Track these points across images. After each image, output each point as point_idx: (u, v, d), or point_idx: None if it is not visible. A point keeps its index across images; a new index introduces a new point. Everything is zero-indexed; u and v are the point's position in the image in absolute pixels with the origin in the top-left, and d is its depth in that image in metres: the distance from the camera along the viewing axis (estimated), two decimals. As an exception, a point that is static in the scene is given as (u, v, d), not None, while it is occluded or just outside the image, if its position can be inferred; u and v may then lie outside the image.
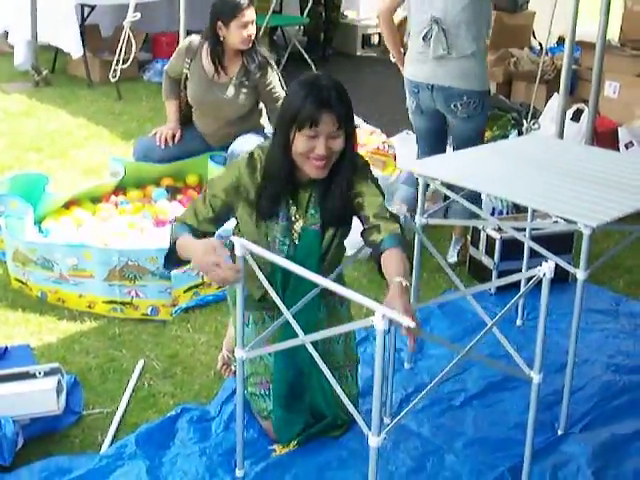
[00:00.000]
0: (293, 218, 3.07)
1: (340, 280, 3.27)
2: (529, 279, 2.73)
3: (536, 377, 2.81)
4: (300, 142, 2.84)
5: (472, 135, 4.65)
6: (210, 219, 3.04)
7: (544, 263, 2.68)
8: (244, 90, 5.10)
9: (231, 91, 5.09)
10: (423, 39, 4.53)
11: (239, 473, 3.11)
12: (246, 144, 4.76)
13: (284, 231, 3.06)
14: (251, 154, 3.04)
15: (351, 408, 2.57)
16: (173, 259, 3.01)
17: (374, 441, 2.43)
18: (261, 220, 3.06)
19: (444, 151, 4.85)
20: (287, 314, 2.76)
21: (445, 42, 4.47)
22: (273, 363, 3.22)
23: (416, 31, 4.60)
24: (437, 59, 4.54)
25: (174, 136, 5.32)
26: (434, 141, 4.84)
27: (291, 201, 3.06)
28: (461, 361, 2.64)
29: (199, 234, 2.99)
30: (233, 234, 3.19)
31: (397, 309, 2.41)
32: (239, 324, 2.91)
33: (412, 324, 2.32)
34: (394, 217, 2.97)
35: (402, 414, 2.56)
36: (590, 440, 3.37)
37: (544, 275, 2.67)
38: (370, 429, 2.44)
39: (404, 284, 2.56)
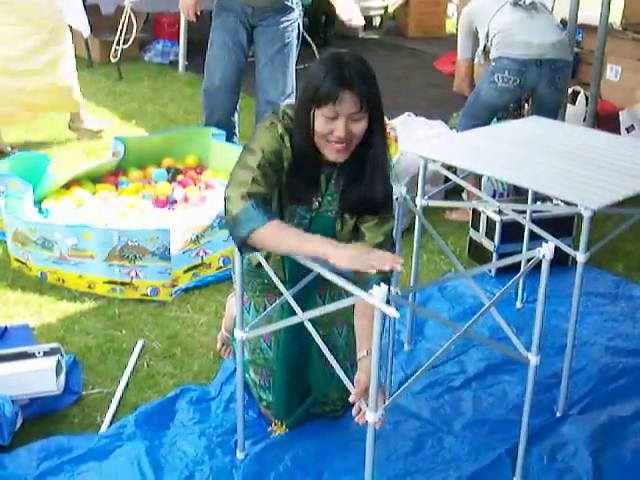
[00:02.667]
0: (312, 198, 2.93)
1: None
2: (529, 261, 2.73)
3: (533, 359, 2.81)
4: (319, 123, 2.67)
5: (559, 104, 5.27)
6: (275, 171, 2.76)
7: (544, 244, 2.68)
8: None
9: None
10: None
11: (240, 455, 3.13)
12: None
13: (305, 208, 2.92)
14: (286, 126, 2.79)
15: (350, 387, 2.58)
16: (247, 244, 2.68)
17: (371, 417, 2.44)
18: (287, 200, 2.87)
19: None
20: (286, 294, 2.77)
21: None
22: (278, 345, 3.19)
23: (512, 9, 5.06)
24: (543, 28, 5.02)
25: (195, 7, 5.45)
26: (494, 116, 5.31)
27: None
28: (460, 340, 2.65)
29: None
30: None
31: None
32: (238, 304, 2.90)
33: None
34: (393, 250, 2.93)
35: (400, 390, 2.57)
36: (588, 422, 3.39)
37: (543, 256, 2.68)
38: (367, 406, 2.45)
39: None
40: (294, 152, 2.77)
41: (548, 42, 4.97)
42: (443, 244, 3.53)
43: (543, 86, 5.03)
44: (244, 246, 2.68)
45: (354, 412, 2.57)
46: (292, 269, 2.98)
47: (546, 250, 2.67)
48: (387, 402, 2.52)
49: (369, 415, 2.44)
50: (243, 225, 2.63)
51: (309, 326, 2.71)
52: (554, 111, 5.10)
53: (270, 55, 5.34)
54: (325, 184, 2.90)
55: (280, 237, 2.60)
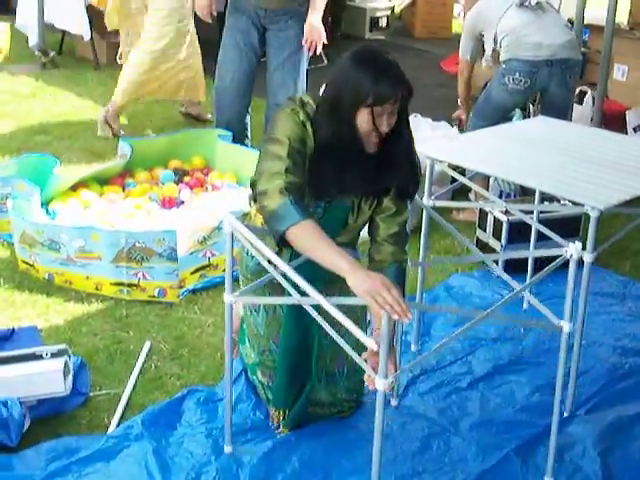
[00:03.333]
0: None
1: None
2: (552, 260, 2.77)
3: (566, 326, 2.83)
4: (369, 120, 2.69)
5: (569, 104, 5.25)
6: (304, 160, 2.77)
7: (570, 244, 2.75)
8: None
9: None
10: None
11: (227, 449, 3.14)
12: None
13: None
14: (307, 113, 2.80)
15: (358, 360, 2.60)
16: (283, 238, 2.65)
17: (381, 384, 2.43)
18: (311, 195, 2.84)
19: None
20: (273, 272, 2.76)
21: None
22: (281, 334, 3.18)
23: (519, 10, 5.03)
24: (552, 28, 5.02)
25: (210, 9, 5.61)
26: (505, 117, 5.20)
27: None
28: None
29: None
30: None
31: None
32: (228, 271, 2.87)
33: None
34: (407, 240, 2.97)
35: (415, 361, 2.59)
36: (596, 422, 3.38)
37: (571, 256, 2.74)
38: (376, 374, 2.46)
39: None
40: (320, 145, 2.77)
41: (558, 42, 4.96)
42: (456, 233, 3.54)
43: (554, 86, 5.02)
44: (282, 241, 2.64)
45: (365, 378, 2.60)
46: (298, 268, 2.98)
47: (573, 250, 2.73)
48: (398, 371, 2.52)
49: (378, 382, 2.44)
50: (282, 220, 2.60)
51: (310, 310, 2.70)
52: (564, 111, 5.08)
53: (281, 60, 5.35)
54: None
55: (308, 240, 2.58)
